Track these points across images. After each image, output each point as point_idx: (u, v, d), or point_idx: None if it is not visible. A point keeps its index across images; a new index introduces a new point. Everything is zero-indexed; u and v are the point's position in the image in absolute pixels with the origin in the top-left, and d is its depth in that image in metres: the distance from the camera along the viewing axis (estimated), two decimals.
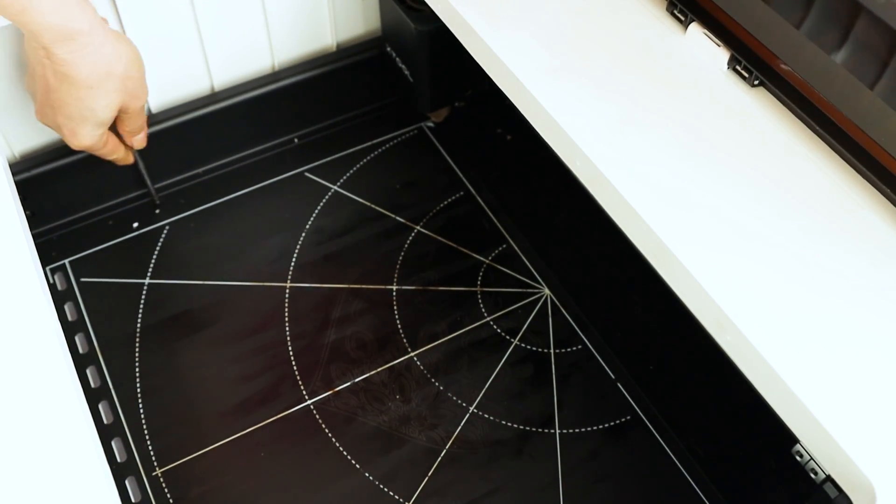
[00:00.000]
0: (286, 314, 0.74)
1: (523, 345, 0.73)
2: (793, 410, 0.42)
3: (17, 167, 0.74)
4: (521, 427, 0.69)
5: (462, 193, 0.83)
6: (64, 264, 0.77)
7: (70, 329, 0.72)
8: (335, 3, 0.81)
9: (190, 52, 0.77)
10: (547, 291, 0.76)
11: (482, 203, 0.82)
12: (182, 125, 0.79)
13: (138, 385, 0.70)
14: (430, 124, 0.89)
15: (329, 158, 0.85)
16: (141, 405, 0.69)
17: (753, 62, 0.54)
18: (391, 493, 0.65)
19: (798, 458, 0.48)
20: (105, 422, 0.68)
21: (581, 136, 0.53)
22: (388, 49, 0.83)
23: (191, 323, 0.74)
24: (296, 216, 0.81)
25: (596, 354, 0.73)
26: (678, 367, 0.72)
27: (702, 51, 0.57)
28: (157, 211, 0.80)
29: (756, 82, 0.54)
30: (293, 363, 0.71)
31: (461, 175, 0.84)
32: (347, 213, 0.81)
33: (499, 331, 0.74)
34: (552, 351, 0.73)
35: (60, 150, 0.75)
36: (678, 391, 0.71)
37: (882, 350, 0.43)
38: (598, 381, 0.71)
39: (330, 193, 0.82)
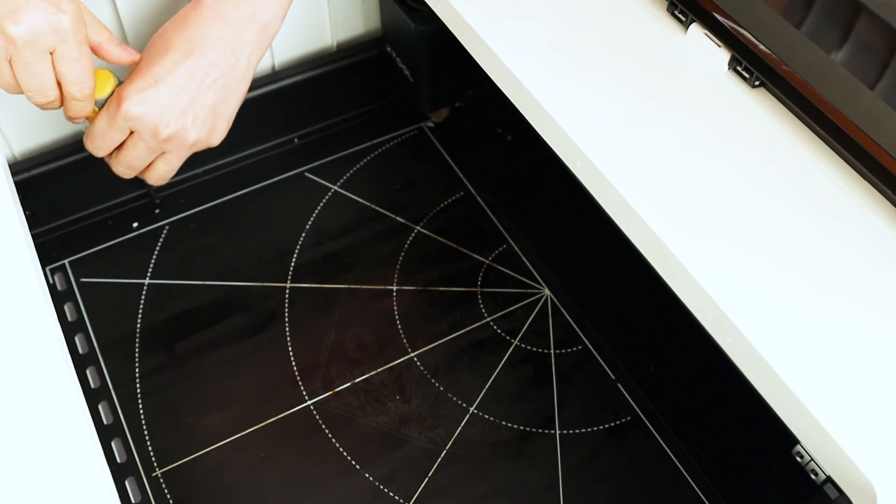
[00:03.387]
0: (286, 314, 0.74)
1: (523, 345, 0.73)
2: (793, 411, 0.42)
3: (17, 167, 0.74)
4: (521, 427, 0.69)
5: (462, 193, 0.83)
6: (64, 264, 0.77)
7: (70, 329, 0.72)
8: (335, 3, 0.81)
9: None
10: (547, 292, 0.76)
11: (482, 203, 0.82)
12: None
13: (138, 385, 0.70)
14: (430, 124, 0.89)
15: (329, 158, 0.85)
16: (141, 405, 0.69)
17: (754, 63, 0.54)
18: (391, 494, 0.65)
19: (798, 458, 0.48)
20: (105, 422, 0.68)
21: (581, 136, 0.53)
22: (388, 49, 0.83)
23: (191, 323, 0.74)
24: (296, 216, 0.80)
25: (596, 355, 0.73)
26: (678, 368, 0.72)
27: (702, 51, 0.57)
28: (157, 211, 0.80)
29: (757, 83, 0.54)
30: (293, 363, 0.71)
31: (461, 175, 0.84)
32: (347, 213, 0.81)
33: (499, 331, 0.74)
34: (552, 351, 0.73)
35: (60, 150, 0.75)
36: (678, 391, 0.71)
37: (882, 350, 0.43)
38: (598, 382, 0.71)
39: (330, 193, 0.82)
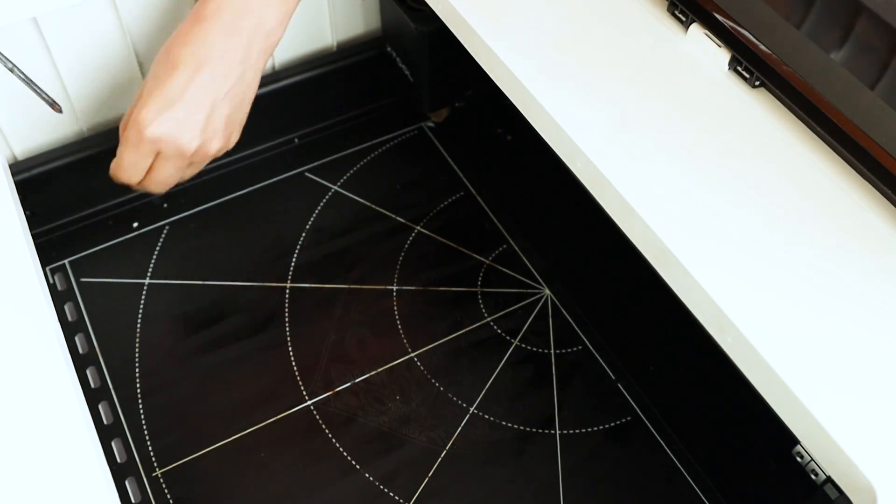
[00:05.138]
0: (286, 314, 0.74)
1: (524, 345, 0.73)
2: (793, 411, 0.42)
3: (17, 167, 0.74)
4: (521, 427, 0.69)
5: (462, 193, 0.83)
6: (64, 264, 0.77)
7: (70, 329, 0.72)
8: (335, 3, 0.81)
9: None
10: (547, 292, 0.76)
11: (482, 203, 0.82)
12: None
13: (138, 385, 0.70)
14: (430, 124, 0.89)
15: (329, 158, 0.85)
16: (141, 405, 0.69)
17: (754, 63, 0.54)
18: (391, 494, 0.65)
19: (798, 459, 0.48)
20: (105, 422, 0.68)
21: (581, 136, 0.53)
22: (388, 49, 0.83)
23: (191, 323, 0.74)
24: (296, 216, 0.80)
25: (596, 355, 0.73)
26: (678, 368, 0.72)
27: (703, 52, 0.57)
28: (158, 211, 0.80)
29: (757, 83, 0.54)
30: (293, 363, 0.71)
31: (461, 175, 0.84)
32: (347, 213, 0.81)
33: (499, 331, 0.74)
34: (552, 351, 0.73)
35: (60, 150, 0.76)
36: (678, 391, 0.71)
37: (882, 351, 0.43)
38: (598, 382, 0.71)
39: (330, 193, 0.82)
